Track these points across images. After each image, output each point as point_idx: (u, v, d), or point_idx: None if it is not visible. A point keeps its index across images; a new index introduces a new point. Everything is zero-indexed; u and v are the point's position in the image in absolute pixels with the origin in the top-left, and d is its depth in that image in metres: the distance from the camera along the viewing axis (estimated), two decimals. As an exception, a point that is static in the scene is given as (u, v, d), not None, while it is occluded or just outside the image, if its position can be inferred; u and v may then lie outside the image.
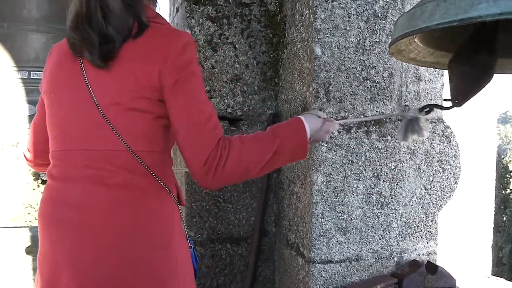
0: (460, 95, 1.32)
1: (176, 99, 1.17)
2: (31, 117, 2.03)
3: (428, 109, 1.46)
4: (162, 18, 1.28)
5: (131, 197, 1.18)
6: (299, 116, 1.36)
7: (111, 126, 1.16)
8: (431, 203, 2.20)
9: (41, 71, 2.09)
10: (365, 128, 2.05)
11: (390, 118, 2.07)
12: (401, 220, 2.14)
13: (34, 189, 12.94)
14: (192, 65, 1.20)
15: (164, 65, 1.15)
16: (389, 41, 2.02)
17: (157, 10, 1.34)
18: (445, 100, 1.36)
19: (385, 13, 2.05)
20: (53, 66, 1.27)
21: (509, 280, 2.29)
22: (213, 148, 1.18)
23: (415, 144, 2.13)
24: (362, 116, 2.03)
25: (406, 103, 2.10)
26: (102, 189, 1.17)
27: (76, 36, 1.18)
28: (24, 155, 1.49)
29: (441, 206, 2.22)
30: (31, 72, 2.08)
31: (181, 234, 1.27)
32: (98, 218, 1.16)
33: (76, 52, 1.19)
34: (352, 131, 2.04)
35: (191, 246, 1.32)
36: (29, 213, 12.93)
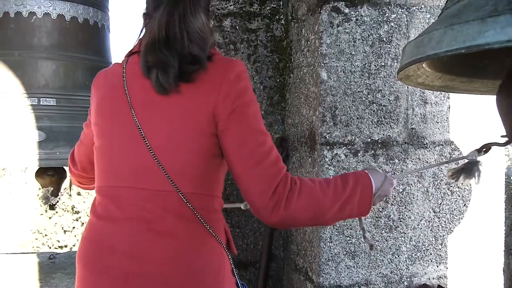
0: None
1: (233, 128, 1.09)
2: (40, 143, 2.05)
3: (485, 149, 1.41)
4: (215, 48, 1.23)
5: (178, 246, 1.10)
6: (365, 170, 1.27)
7: (159, 165, 1.09)
8: (440, 226, 2.18)
9: (51, 98, 2.12)
10: (372, 152, 2.05)
11: (397, 141, 2.07)
12: (410, 244, 2.12)
13: (41, 214, 12.95)
14: (248, 93, 1.13)
15: (220, 94, 1.09)
16: (396, 66, 2.05)
17: None
18: (501, 136, 1.32)
19: (390, 38, 2.07)
20: (101, 96, 1.21)
21: (522, 305, 2.25)
22: (281, 179, 1.10)
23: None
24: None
25: (413, 126, 2.11)
26: (150, 236, 1.09)
27: (151, 57, 1.11)
28: (70, 167, 1.45)
29: (450, 229, 2.20)
30: (41, 99, 2.11)
31: (231, 285, 1.18)
32: (148, 269, 1.08)
33: (145, 74, 1.13)
34: (359, 154, 2.04)
35: None
36: (36, 239, 12.91)
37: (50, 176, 2.40)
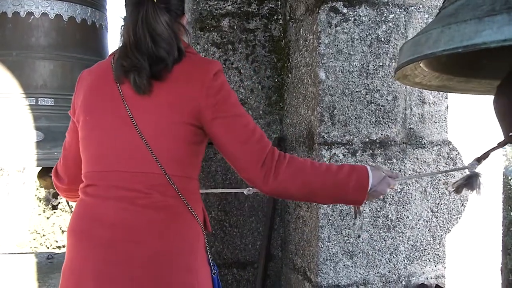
0: None
1: (219, 119, 1.24)
2: (38, 143, 2.05)
3: (485, 157, 1.42)
4: (192, 48, 1.35)
5: (161, 218, 1.22)
6: (366, 165, 1.35)
7: (149, 149, 1.22)
8: (438, 226, 2.18)
9: (49, 98, 2.12)
10: (371, 152, 2.05)
11: (392, 141, 2.08)
12: (408, 243, 2.13)
13: (39, 215, 12.94)
14: (225, 87, 1.27)
15: (201, 92, 1.22)
16: (394, 66, 2.05)
17: None
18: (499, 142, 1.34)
19: (388, 38, 2.07)
20: (88, 91, 1.31)
21: (520, 304, 2.26)
22: (268, 151, 1.25)
23: (420, 167, 2.13)
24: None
25: (411, 126, 2.11)
26: (133, 208, 1.21)
27: (126, 62, 1.23)
28: (56, 183, 1.52)
29: (448, 229, 2.21)
30: (39, 99, 2.10)
31: (203, 259, 1.29)
32: (129, 236, 1.20)
33: (123, 77, 1.25)
34: (357, 154, 2.04)
35: (215, 272, 1.33)
36: (34, 239, 12.89)
37: (51, 177, 2.40)
